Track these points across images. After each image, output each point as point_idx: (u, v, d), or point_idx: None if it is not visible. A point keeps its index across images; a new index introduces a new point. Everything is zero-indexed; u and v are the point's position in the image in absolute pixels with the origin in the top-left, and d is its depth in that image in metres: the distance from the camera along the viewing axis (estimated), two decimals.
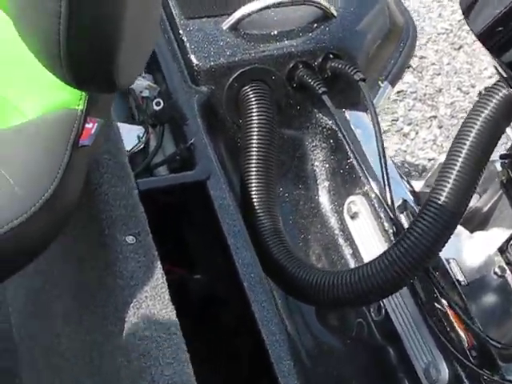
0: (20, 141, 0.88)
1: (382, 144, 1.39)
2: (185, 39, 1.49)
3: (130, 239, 1.04)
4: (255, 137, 1.42)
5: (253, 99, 1.46)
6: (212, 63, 1.47)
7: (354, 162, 1.44)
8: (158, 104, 1.45)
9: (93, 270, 1.12)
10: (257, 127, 1.43)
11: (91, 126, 0.91)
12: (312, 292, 1.31)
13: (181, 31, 1.50)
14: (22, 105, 0.91)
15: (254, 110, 1.45)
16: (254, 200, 1.38)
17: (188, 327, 1.11)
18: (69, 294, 1.29)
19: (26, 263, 0.93)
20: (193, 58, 1.47)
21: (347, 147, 1.44)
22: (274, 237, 1.37)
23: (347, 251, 1.50)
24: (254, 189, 1.39)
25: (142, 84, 1.47)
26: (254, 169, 1.40)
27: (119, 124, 1.42)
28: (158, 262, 1.05)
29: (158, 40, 1.51)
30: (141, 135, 1.43)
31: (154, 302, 0.99)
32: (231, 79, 1.47)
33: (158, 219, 1.44)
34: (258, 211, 1.37)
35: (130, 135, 1.42)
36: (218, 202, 1.34)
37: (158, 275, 1.02)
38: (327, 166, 1.55)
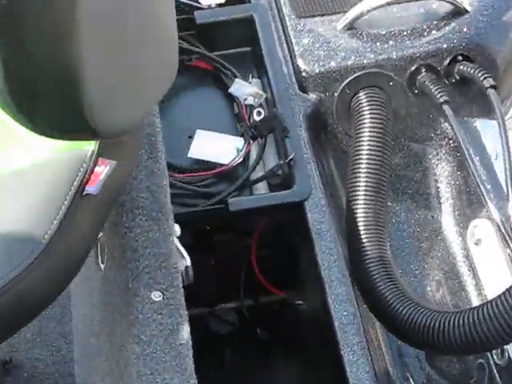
0: (18, 185, 0.80)
1: (510, 161, 1.20)
2: (293, 41, 1.35)
3: (155, 295, 0.92)
4: (365, 151, 1.27)
5: (366, 108, 1.31)
6: (322, 68, 1.32)
7: (478, 181, 1.25)
8: (258, 114, 1.32)
9: (113, 332, 1.02)
10: (368, 140, 1.28)
11: (101, 170, 0.80)
12: (420, 334, 1.16)
13: (290, 32, 1.37)
14: (27, 138, 0.82)
15: (367, 121, 1.29)
16: (360, 223, 1.23)
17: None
18: (87, 358, 1.20)
19: (25, 322, 0.84)
20: (300, 62, 1.33)
21: (470, 163, 1.26)
22: (380, 267, 1.21)
23: (469, 281, 1.32)
24: (360, 210, 1.24)
25: (247, 90, 1.36)
26: (362, 187, 1.25)
27: (217, 134, 1.33)
28: (185, 325, 0.92)
29: (267, 40, 1.38)
30: (240, 148, 1.31)
31: (172, 374, 0.88)
32: (343, 85, 1.33)
33: (255, 238, 1.35)
34: (363, 237, 1.22)
35: (229, 147, 1.32)
36: (315, 226, 1.21)
37: (183, 341, 0.90)
38: (452, 182, 1.38)
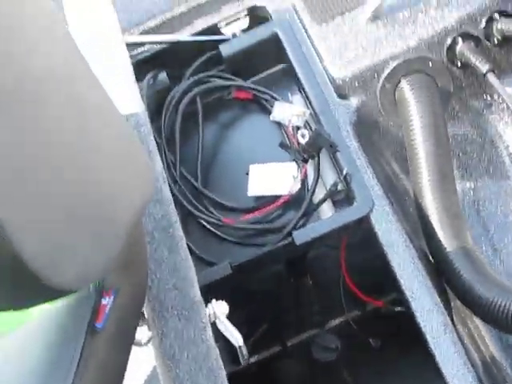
0: (28, 337, 0.79)
1: None
2: (320, 49, 1.30)
3: None
4: (420, 138, 1.21)
5: (410, 95, 1.24)
6: (356, 70, 1.27)
7: None
8: (303, 136, 1.28)
9: None
10: (421, 128, 1.21)
11: (106, 302, 0.79)
12: None
13: (315, 40, 1.31)
14: None
15: (414, 109, 1.23)
16: (433, 217, 1.17)
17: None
18: None
19: None
20: (332, 69, 1.28)
21: None
22: (463, 258, 1.15)
23: None
24: (430, 203, 1.18)
25: (289, 112, 1.32)
26: (425, 178, 1.19)
27: (270, 165, 1.30)
28: None
29: (296, 54, 1.34)
30: (295, 174, 1.28)
31: None
32: (382, 81, 1.27)
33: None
34: (439, 230, 1.17)
35: (285, 175, 1.29)
36: (384, 238, 1.16)
37: None
38: None
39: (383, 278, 1.34)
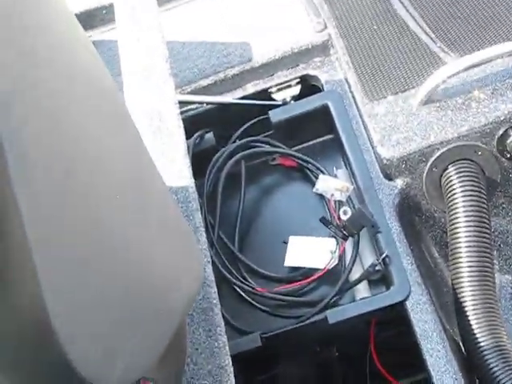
0: None
1: None
2: (370, 127, 1.30)
3: None
4: (463, 228, 1.20)
5: (456, 183, 1.24)
6: (404, 152, 1.26)
7: None
8: (345, 213, 1.28)
9: None
10: (465, 217, 1.21)
11: None
12: None
13: (366, 119, 1.31)
14: None
15: (459, 196, 1.23)
16: (469, 310, 1.17)
17: None
18: None
19: None
20: (380, 149, 1.28)
21: None
22: (498, 358, 1.14)
23: None
24: (467, 295, 1.17)
25: (333, 185, 1.32)
26: (465, 268, 1.18)
27: (309, 239, 1.30)
28: None
29: (345, 128, 1.34)
30: (333, 249, 1.28)
31: None
32: (429, 165, 1.26)
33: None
34: (475, 326, 1.16)
35: (323, 250, 1.28)
36: (419, 326, 1.15)
37: None
38: None
39: (411, 359, 1.33)
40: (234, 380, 0.97)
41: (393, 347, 1.39)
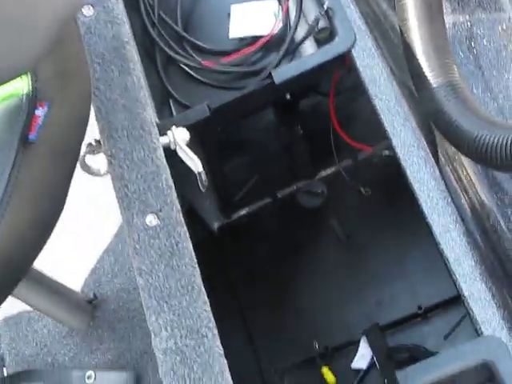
0: None
1: None
2: None
3: (150, 220, 0.86)
4: None
5: None
6: None
7: None
8: None
9: None
10: None
11: (39, 113, 0.74)
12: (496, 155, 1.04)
13: None
14: None
15: None
16: (418, 49, 1.10)
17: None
18: None
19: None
20: None
21: None
22: (451, 94, 1.10)
23: None
24: (415, 35, 1.11)
25: None
26: (413, 12, 1.12)
27: (251, 4, 1.23)
28: (186, 243, 0.84)
29: None
30: (276, 11, 1.22)
31: (180, 298, 0.82)
32: None
33: None
34: (424, 64, 1.10)
35: (267, 14, 1.23)
36: (366, 72, 1.11)
37: (186, 260, 0.83)
38: None
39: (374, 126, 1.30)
40: (152, 113, 0.93)
41: (356, 119, 1.37)
